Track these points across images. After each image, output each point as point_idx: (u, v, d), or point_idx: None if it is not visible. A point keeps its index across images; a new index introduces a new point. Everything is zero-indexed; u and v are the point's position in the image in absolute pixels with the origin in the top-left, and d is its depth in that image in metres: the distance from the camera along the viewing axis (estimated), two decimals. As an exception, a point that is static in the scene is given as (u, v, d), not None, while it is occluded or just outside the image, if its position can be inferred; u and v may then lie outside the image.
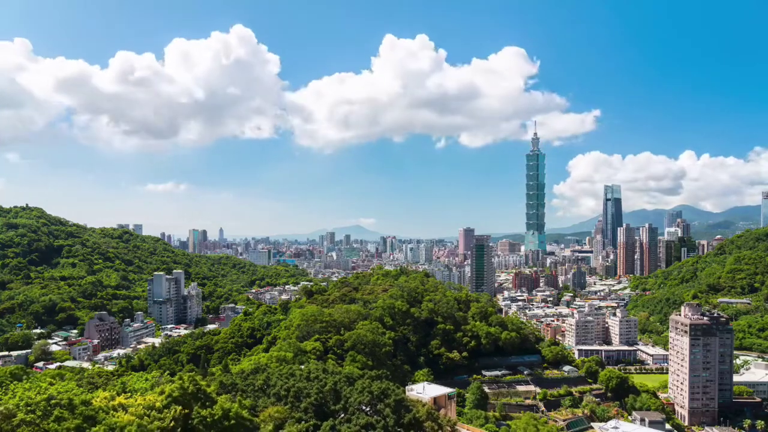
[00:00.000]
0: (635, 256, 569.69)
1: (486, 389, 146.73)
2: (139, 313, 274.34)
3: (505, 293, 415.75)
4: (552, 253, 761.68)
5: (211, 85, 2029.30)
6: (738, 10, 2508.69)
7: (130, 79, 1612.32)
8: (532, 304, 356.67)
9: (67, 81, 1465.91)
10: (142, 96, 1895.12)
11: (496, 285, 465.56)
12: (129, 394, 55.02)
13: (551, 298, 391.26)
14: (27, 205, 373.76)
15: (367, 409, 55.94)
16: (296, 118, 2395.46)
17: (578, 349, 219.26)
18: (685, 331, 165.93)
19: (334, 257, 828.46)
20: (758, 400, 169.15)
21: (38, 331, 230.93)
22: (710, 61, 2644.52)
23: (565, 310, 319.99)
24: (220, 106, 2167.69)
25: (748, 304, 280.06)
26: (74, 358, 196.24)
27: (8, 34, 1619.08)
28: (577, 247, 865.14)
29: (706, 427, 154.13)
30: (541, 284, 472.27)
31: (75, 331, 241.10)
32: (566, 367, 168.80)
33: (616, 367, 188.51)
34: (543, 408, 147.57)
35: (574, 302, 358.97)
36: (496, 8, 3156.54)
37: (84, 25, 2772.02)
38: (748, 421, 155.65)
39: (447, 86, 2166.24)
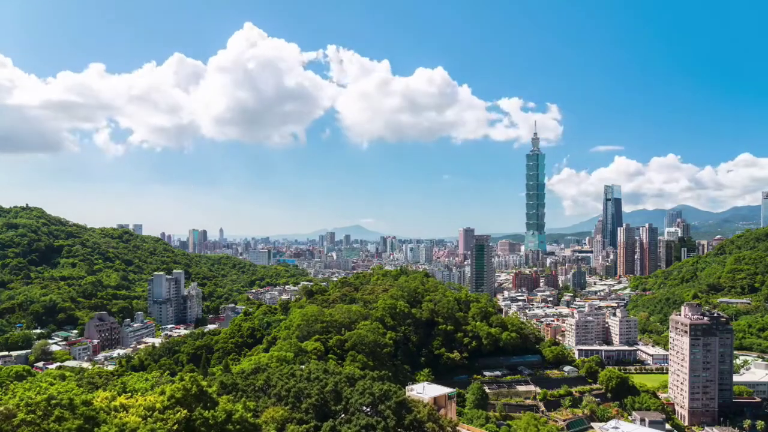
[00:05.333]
0: (635, 256, 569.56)
1: (486, 389, 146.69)
2: (139, 313, 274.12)
3: (505, 293, 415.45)
4: (552, 253, 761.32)
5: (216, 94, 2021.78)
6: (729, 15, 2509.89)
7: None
8: (532, 304, 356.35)
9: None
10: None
11: (496, 285, 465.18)
12: (129, 394, 55.01)
13: (551, 298, 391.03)
14: (27, 205, 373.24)
15: (368, 410, 55.90)
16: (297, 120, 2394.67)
17: (578, 349, 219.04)
18: (685, 331, 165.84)
19: (334, 257, 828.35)
20: (758, 400, 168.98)
21: (38, 331, 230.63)
22: (711, 62, 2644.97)
23: (565, 310, 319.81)
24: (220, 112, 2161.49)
25: (748, 304, 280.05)
26: (74, 358, 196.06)
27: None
28: (577, 247, 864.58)
29: (706, 427, 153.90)
30: (541, 284, 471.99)
31: (75, 331, 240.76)
32: (566, 367, 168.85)
33: (616, 367, 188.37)
34: (543, 408, 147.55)
35: (574, 302, 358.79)
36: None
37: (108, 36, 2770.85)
38: (748, 421, 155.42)
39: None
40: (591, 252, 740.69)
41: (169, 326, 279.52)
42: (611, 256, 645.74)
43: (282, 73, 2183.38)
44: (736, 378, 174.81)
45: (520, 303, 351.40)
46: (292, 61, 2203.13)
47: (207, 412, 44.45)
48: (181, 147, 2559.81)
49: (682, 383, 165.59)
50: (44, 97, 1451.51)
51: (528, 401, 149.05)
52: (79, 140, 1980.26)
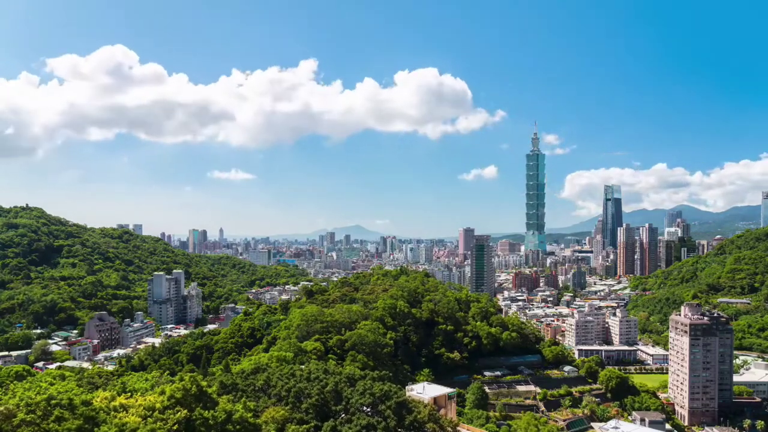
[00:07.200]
0: (635, 256, 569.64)
1: (486, 389, 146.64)
2: (139, 313, 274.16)
3: (505, 293, 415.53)
4: (552, 253, 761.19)
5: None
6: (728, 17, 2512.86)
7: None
8: (532, 304, 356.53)
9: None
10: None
11: (496, 285, 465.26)
12: (129, 394, 54.99)
13: (551, 298, 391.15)
14: (27, 205, 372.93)
15: (368, 410, 55.89)
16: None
17: (578, 349, 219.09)
18: (685, 331, 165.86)
19: (334, 257, 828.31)
20: (758, 400, 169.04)
21: (38, 331, 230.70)
22: (712, 63, 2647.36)
23: (565, 310, 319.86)
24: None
25: (748, 304, 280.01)
26: (74, 358, 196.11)
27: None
28: (577, 247, 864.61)
29: (706, 427, 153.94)
30: (541, 284, 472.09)
31: (75, 331, 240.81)
32: (566, 367, 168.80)
33: (616, 367, 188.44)
34: (543, 408, 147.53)
35: (574, 302, 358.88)
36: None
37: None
38: (748, 421, 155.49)
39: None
40: (591, 252, 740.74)
41: (169, 326, 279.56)
42: (611, 256, 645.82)
43: (292, 89, 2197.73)
44: (736, 378, 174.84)
45: (520, 303, 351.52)
46: (303, 72, 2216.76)
47: (207, 412, 44.44)
48: (181, 147, 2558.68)
49: (682, 383, 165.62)
50: (56, 104, 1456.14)
51: (528, 401, 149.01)
52: (84, 144, 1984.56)
